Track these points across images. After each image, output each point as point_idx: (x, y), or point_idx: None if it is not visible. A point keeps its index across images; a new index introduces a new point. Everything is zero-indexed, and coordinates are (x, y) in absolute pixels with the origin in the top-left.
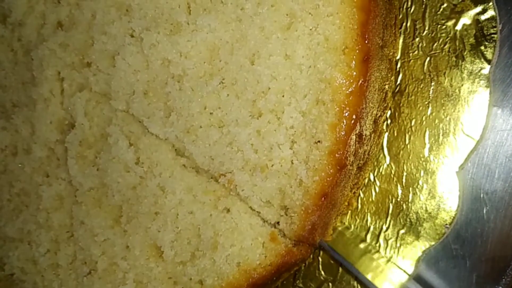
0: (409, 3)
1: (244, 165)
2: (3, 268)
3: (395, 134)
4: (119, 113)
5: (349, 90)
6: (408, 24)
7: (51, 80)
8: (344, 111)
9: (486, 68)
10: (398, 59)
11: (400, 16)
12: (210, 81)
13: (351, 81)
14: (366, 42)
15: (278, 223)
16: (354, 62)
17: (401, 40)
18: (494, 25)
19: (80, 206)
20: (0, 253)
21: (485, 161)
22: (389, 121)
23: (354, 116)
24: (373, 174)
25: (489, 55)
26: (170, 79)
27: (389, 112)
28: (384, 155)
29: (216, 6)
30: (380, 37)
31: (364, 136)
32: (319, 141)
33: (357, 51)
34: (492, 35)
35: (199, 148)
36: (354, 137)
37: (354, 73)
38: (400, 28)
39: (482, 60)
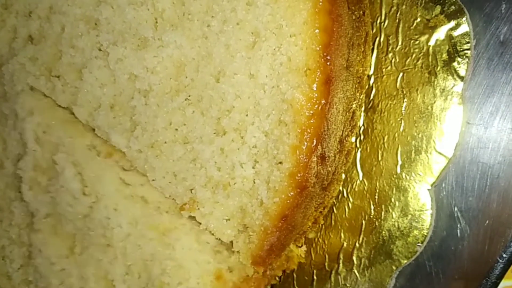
0: (383, 18)
1: (207, 182)
2: None
3: (368, 150)
4: (66, 139)
5: (311, 112)
6: (382, 39)
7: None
8: (305, 133)
9: (459, 85)
10: (371, 75)
11: (374, 31)
12: (176, 97)
13: (313, 103)
14: (329, 64)
15: (232, 242)
16: (316, 84)
17: (374, 56)
18: (467, 40)
19: (37, 234)
20: None
21: (458, 179)
22: (362, 136)
23: (315, 139)
24: (346, 190)
25: (462, 71)
26: (137, 93)
27: (362, 128)
28: (357, 171)
29: (183, 23)
30: (345, 58)
31: (327, 158)
32: (280, 162)
33: (319, 73)
34: (466, 51)
35: (163, 163)
36: (315, 159)
37: (316, 95)
38: (373, 43)
39: (455, 76)
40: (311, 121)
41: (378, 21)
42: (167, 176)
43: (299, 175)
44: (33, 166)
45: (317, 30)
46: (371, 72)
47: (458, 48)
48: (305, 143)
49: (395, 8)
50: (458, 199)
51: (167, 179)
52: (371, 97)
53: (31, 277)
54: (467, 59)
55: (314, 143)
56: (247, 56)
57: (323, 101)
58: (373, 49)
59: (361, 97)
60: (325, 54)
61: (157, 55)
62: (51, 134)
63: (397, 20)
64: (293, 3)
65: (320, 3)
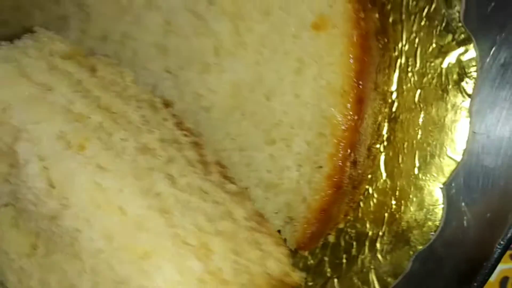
0: (404, 43)
1: (259, 183)
2: None
3: (390, 155)
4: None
5: (345, 126)
6: (403, 61)
7: None
8: (341, 144)
9: (467, 101)
10: (394, 91)
11: (396, 53)
12: (233, 113)
13: (347, 119)
14: (360, 87)
15: (279, 231)
16: (349, 104)
17: (396, 75)
18: (474, 64)
19: None
20: None
21: (466, 179)
22: (385, 143)
23: (349, 148)
24: (372, 188)
25: (469, 90)
26: (201, 110)
27: (385, 136)
28: (381, 172)
29: (239, 51)
30: (373, 81)
31: (358, 162)
32: (320, 167)
33: (352, 95)
34: (472, 73)
35: None
36: (349, 164)
37: (350, 112)
38: (395, 64)
39: (464, 94)
40: (346, 134)
41: (400, 45)
42: None
43: (335, 177)
44: None
45: (351, 60)
46: (393, 89)
47: (466, 70)
48: (341, 152)
49: (414, 35)
50: (465, 196)
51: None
52: (394, 110)
53: None
54: (474, 80)
55: (348, 151)
56: (293, 80)
57: (355, 117)
58: (395, 69)
59: (385, 110)
60: (357, 79)
61: (218, 78)
62: (11, 115)
63: (415, 45)
64: (331, 38)
65: (354, 38)
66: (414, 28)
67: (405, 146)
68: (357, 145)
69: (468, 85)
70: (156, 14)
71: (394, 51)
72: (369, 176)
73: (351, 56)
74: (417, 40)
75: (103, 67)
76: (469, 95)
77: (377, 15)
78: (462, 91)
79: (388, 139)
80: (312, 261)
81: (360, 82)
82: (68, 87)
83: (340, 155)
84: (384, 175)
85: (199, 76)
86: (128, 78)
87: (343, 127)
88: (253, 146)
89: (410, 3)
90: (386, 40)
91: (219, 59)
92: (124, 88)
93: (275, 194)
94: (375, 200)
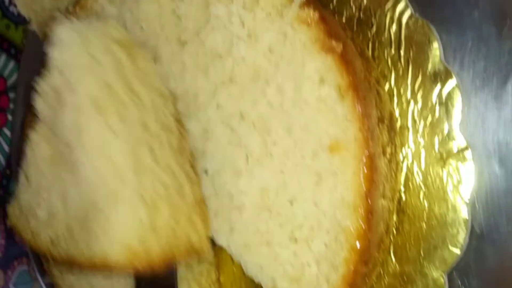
0: (410, 146)
1: (283, 275)
2: None
3: (399, 243)
4: None
5: (358, 235)
6: (409, 164)
7: None
8: (354, 250)
9: (465, 205)
10: (401, 190)
11: (402, 158)
12: (262, 213)
13: (358, 230)
14: (370, 202)
15: None
16: (361, 217)
17: (403, 175)
18: (471, 170)
19: None
20: None
21: (466, 269)
22: (395, 232)
23: (362, 255)
24: (383, 271)
25: (467, 195)
26: (233, 208)
27: (395, 226)
28: (391, 258)
29: (266, 161)
30: (381, 194)
31: (369, 260)
32: (336, 268)
33: (363, 210)
34: (470, 179)
35: (253, 259)
36: (361, 265)
37: (361, 224)
38: (403, 164)
39: (462, 197)
40: (357, 242)
41: (406, 148)
42: (256, 267)
43: (349, 276)
44: None
45: (362, 179)
46: (401, 188)
47: (464, 176)
48: (353, 256)
49: (419, 140)
50: (465, 283)
51: (255, 270)
52: (401, 204)
53: None
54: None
55: (360, 255)
56: (313, 190)
57: (366, 229)
58: (402, 169)
59: (394, 207)
60: (367, 196)
61: (248, 183)
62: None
63: (420, 149)
64: (344, 159)
65: (364, 161)
66: (419, 134)
67: (411, 237)
68: (369, 249)
69: (466, 190)
70: (196, 123)
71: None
72: (381, 260)
73: (362, 176)
74: (422, 144)
75: (142, 59)
76: (467, 200)
77: (386, 133)
78: (460, 194)
79: (396, 229)
80: None
81: (369, 199)
82: (112, 66)
83: (352, 259)
84: (393, 260)
85: (232, 180)
86: (155, 74)
87: (355, 237)
88: (279, 242)
89: (416, 111)
90: (394, 149)
91: (249, 166)
92: (150, 78)
93: (298, 286)
94: (386, 282)
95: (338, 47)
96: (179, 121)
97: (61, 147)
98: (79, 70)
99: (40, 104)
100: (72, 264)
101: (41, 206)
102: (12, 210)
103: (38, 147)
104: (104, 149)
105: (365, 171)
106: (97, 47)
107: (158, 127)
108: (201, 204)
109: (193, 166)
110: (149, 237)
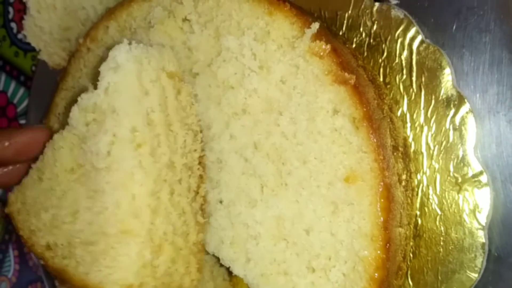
0: (425, 170)
1: None
2: None
3: (416, 268)
4: None
5: (376, 266)
6: (424, 188)
7: None
8: (373, 281)
9: (482, 230)
10: (417, 215)
11: (416, 182)
12: (278, 243)
13: (377, 260)
14: (387, 232)
15: None
16: (379, 247)
17: (418, 200)
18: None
19: None
20: None
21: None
22: (411, 256)
23: (380, 283)
24: None
25: (482, 220)
26: (249, 238)
27: (411, 250)
28: (408, 282)
29: (281, 190)
30: (399, 222)
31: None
32: None
33: (381, 240)
34: (486, 206)
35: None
36: None
37: (379, 253)
38: (418, 189)
39: (479, 222)
40: (376, 274)
41: (421, 174)
42: None
43: None
44: None
45: (378, 209)
46: (418, 213)
47: (479, 202)
48: (373, 287)
49: (434, 165)
50: None
51: None
52: (418, 228)
53: None
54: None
55: (380, 287)
56: (329, 220)
57: (384, 260)
58: (417, 194)
59: (410, 232)
60: (385, 226)
61: (264, 213)
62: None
63: (435, 174)
64: (360, 190)
65: (380, 190)
66: (434, 159)
67: (428, 261)
68: (388, 278)
69: (483, 214)
70: (209, 153)
71: (418, 182)
72: (399, 286)
73: (378, 206)
74: (436, 168)
75: (185, 93)
76: (482, 228)
77: (401, 160)
78: (477, 219)
79: (413, 253)
80: None
81: (387, 228)
82: (158, 98)
83: None
84: (411, 284)
85: (247, 210)
86: (193, 111)
87: (374, 267)
88: (296, 272)
89: (430, 137)
90: (409, 175)
91: (264, 196)
92: (187, 115)
93: None
94: None
95: (351, 78)
96: (201, 162)
97: (87, 166)
98: (126, 97)
99: (75, 117)
100: (62, 277)
101: (47, 210)
102: (14, 199)
103: (60, 153)
104: (130, 187)
105: (382, 201)
106: (148, 76)
107: (182, 167)
108: (201, 251)
109: (203, 210)
110: (147, 275)
